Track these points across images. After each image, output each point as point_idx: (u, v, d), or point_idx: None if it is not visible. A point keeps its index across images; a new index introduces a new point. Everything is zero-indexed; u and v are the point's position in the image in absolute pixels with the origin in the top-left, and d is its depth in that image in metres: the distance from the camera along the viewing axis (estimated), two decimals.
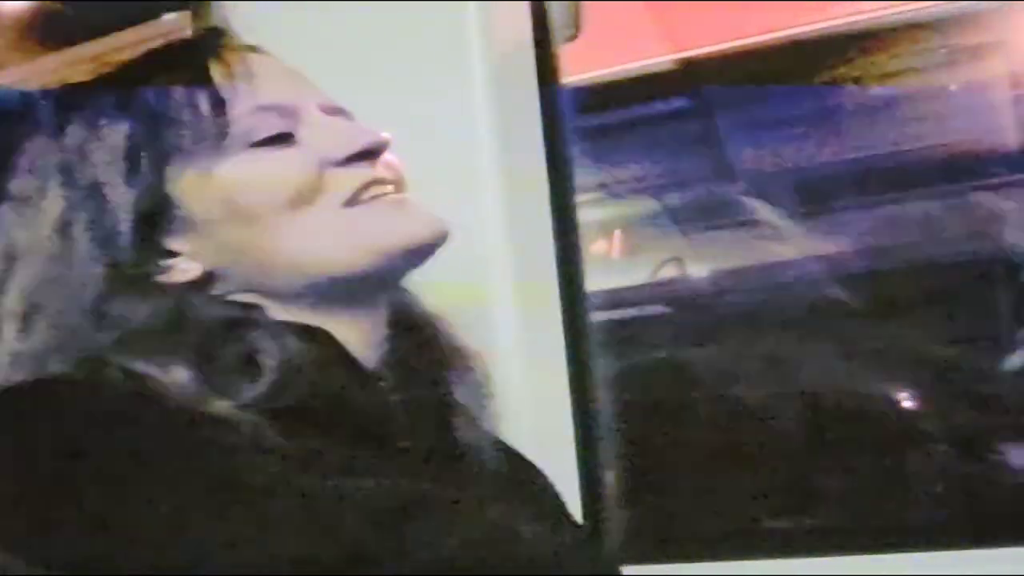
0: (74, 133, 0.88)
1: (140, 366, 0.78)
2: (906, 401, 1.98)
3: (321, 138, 0.88)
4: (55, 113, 0.90)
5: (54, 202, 0.86)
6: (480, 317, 1.18)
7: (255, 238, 0.86)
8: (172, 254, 0.87)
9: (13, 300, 0.85)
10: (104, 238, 0.85)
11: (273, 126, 0.87)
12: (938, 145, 2.60)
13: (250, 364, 0.81)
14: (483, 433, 0.94)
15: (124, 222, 0.85)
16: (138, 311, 0.83)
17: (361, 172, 0.87)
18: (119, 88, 0.89)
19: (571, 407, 1.27)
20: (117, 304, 0.83)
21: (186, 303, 0.84)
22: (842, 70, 2.64)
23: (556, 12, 1.38)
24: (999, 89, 2.50)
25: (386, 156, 0.91)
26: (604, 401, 1.35)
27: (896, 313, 2.08)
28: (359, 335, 0.88)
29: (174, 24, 1.19)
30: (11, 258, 0.86)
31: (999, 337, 2.03)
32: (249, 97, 0.87)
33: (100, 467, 0.73)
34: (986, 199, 2.47)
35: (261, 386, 0.79)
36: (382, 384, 0.88)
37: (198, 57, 0.89)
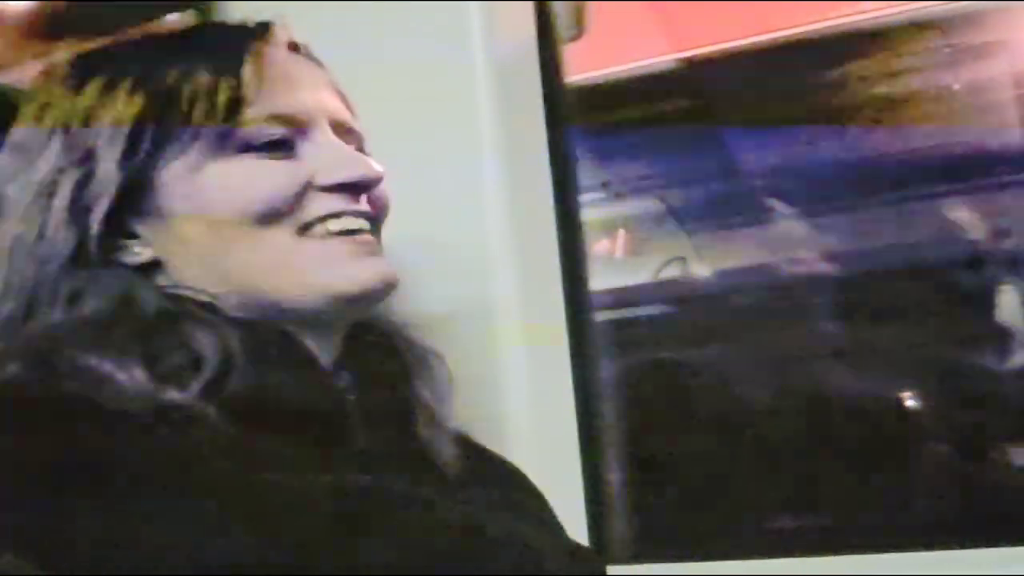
0: (90, 93, 0.87)
1: (93, 361, 0.77)
2: (908, 401, 1.99)
3: (317, 159, 0.87)
4: (79, 67, 0.89)
5: (48, 160, 0.85)
6: (483, 317, 1.18)
7: (212, 243, 0.85)
8: (132, 235, 0.86)
9: None
10: (81, 210, 0.84)
11: (277, 137, 0.86)
12: (942, 144, 2.60)
13: (195, 358, 0.79)
14: (446, 432, 0.92)
15: (104, 199, 0.84)
16: (92, 291, 0.82)
17: (335, 202, 0.86)
18: (148, 57, 0.88)
19: (575, 406, 1.27)
20: (76, 280, 0.83)
21: (137, 290, 0.83)
22: (845, 69, 2.65)
23: (560, 12, 1.38)
24: (1002, 88, 2.50)
25: (377, 191, 0.89)
26: (608, 400, 1.36)
27: (899, 312, 2.08)
28: (314, 336, 0.88)
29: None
30: None
31: (1001, 337, 2.03)
32: (267, 102, 0.86)
33: (55, 472, 0.71)
34: (990, 198, 2.47)
35: (201, 379, 0.78)
36: (339, 384, 0.88)
37: (235, 48, 0.87)
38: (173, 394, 0.77)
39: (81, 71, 0.88)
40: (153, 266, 0.86)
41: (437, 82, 1.22)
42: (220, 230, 0.84)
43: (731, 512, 1.66)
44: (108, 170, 0.84)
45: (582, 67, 1.52)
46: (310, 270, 0.85)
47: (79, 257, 0.83)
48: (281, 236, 0.85)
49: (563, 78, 1.36)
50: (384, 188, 0.91)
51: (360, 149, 0.93)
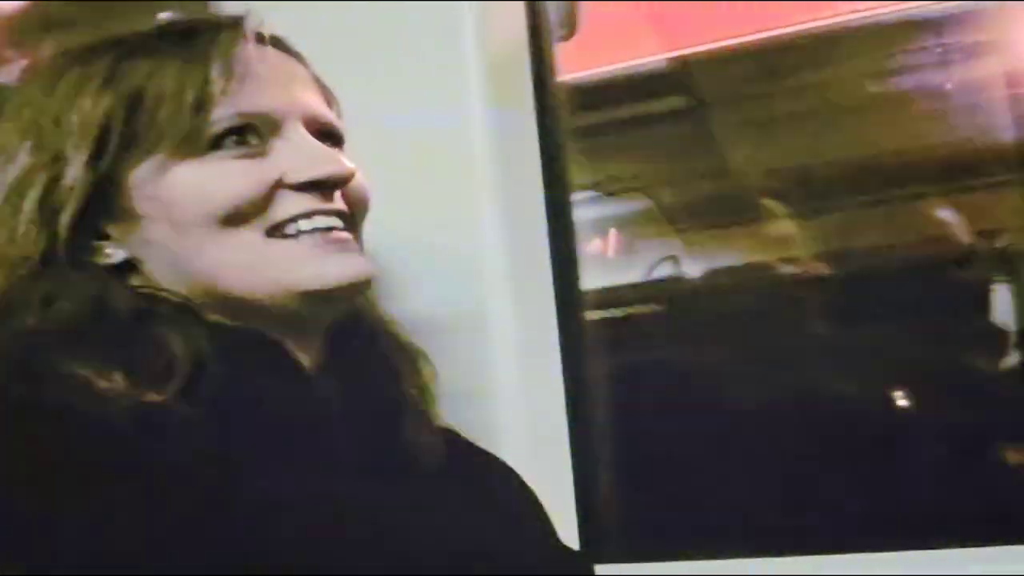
0: (60, 93, 0.86)
1: (72, 367, 0.76)
2: (902, 400, 1.99)
3: (287, 158, 0.85)
4: (53, 66, 0.88)
5: (19, 162, 0.85)
6: (475, 316, 1.18)
7: (180, 245, 0.84)
8: (104, 236, 0.85)
9: None
10: (50, 212, 0.83)
11: (245, 135, 0.85)
12: (934, 144, 2.60)
13: (169, 361, 0.79)
14: (433, 432, 0.92)
15: (73, 201, 0.83)
16: (65, 294, 0.81)
17: (306, 201, 0.85)
18: (116, 56, 0.86)
19: (566, 405, 1.27)
20: (49, 283, 0.82)
21: (110, 291, 0.82)
22: (837, 69, 2.65)
23: (551, 11, 1.38)
24: (995, 88, 2.51)
25: (354, 184, 0.88)
26: (599, 399, 1.35)
27: (891, 312, 2.08)
28: (293, 337, 0.87)
29: None
30: None
31: (993, 337, 2.03)
32: (236, 100, 0.85)
33: (37, 478, 0.71)
34: (982, 198, 2.47)
35: (175, 383, 0.77)
36: (321, 386, 0.87)
37: (202, 46, 0.86)
38: (151, 398, 0.76)
39: (55, 70, 0.88)
40: (128, 267, 0.86)
41: (430, 80, 1.22)
42: (187, 232, 0.83)
43: (724, 511, 1.66)
44: (76, 172, 0.83)
45: (573, 66, 1.52)
46: (278, 269, 0.84)
47: (50, 259, 0.83)
48: (249, 236, 0.84)
49: (555, 77, 1.36)
50: (361, 183, 0.90)
51: (338, 143, 0.92)
